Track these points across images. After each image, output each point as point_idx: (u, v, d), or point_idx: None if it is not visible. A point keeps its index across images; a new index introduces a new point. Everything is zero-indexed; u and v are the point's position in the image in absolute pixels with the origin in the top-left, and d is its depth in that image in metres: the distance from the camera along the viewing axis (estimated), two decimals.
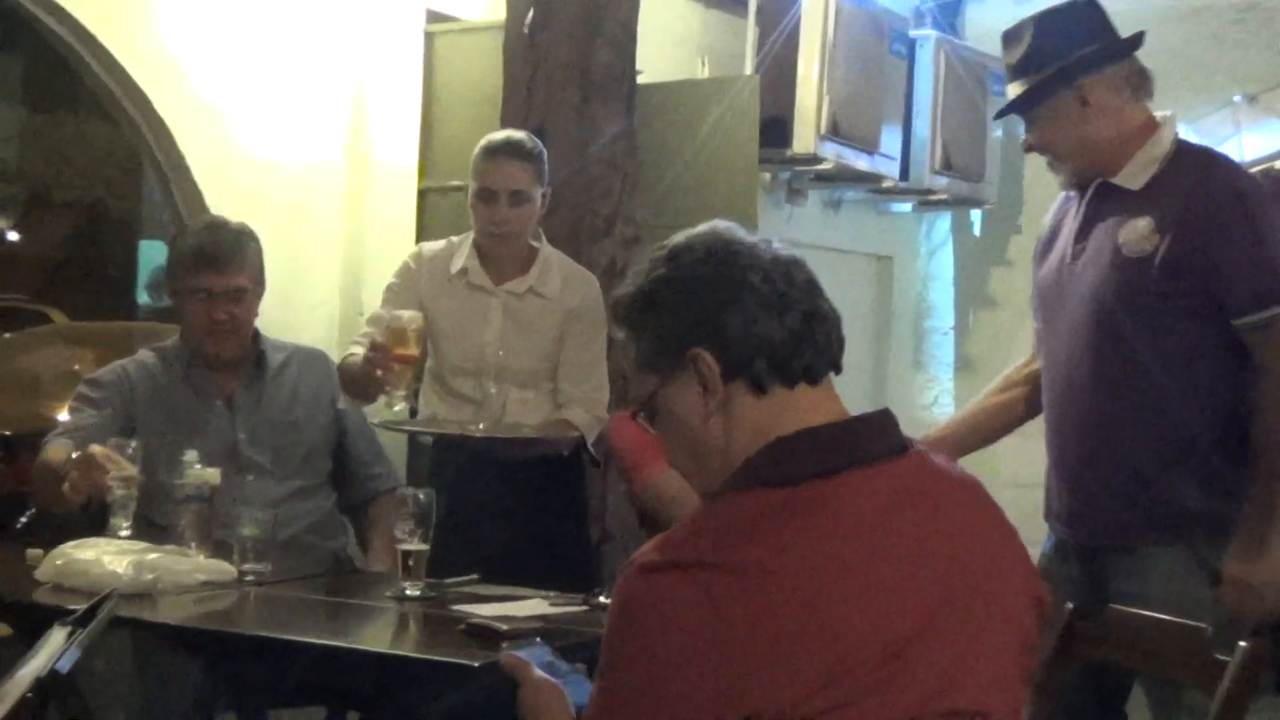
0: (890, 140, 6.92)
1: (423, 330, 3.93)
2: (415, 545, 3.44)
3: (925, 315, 8.23)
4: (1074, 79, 3.49)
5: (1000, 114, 3.82)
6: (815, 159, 6.49)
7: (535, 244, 4.31)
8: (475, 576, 3.62)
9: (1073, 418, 3.50)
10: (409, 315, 3.89)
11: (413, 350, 3.84)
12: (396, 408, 3.91)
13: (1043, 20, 3.58)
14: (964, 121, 7.39)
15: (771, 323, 1.96)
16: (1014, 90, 3.60)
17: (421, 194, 5.67)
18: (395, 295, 4.25)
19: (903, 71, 7.05)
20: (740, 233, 2.03)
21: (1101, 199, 3.50)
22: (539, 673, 2.09)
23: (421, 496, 3.49)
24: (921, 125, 7.22)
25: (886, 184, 7.16)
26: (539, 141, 4.29)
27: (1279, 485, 3.24)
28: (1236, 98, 7.68)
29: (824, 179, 6.98)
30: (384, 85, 5.64)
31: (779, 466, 1.91)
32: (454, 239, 4.33)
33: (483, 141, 4.23)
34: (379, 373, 3.79)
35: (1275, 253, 3.30)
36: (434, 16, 5.72)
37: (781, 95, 6.30)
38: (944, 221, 8.27)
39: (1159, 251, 3.32)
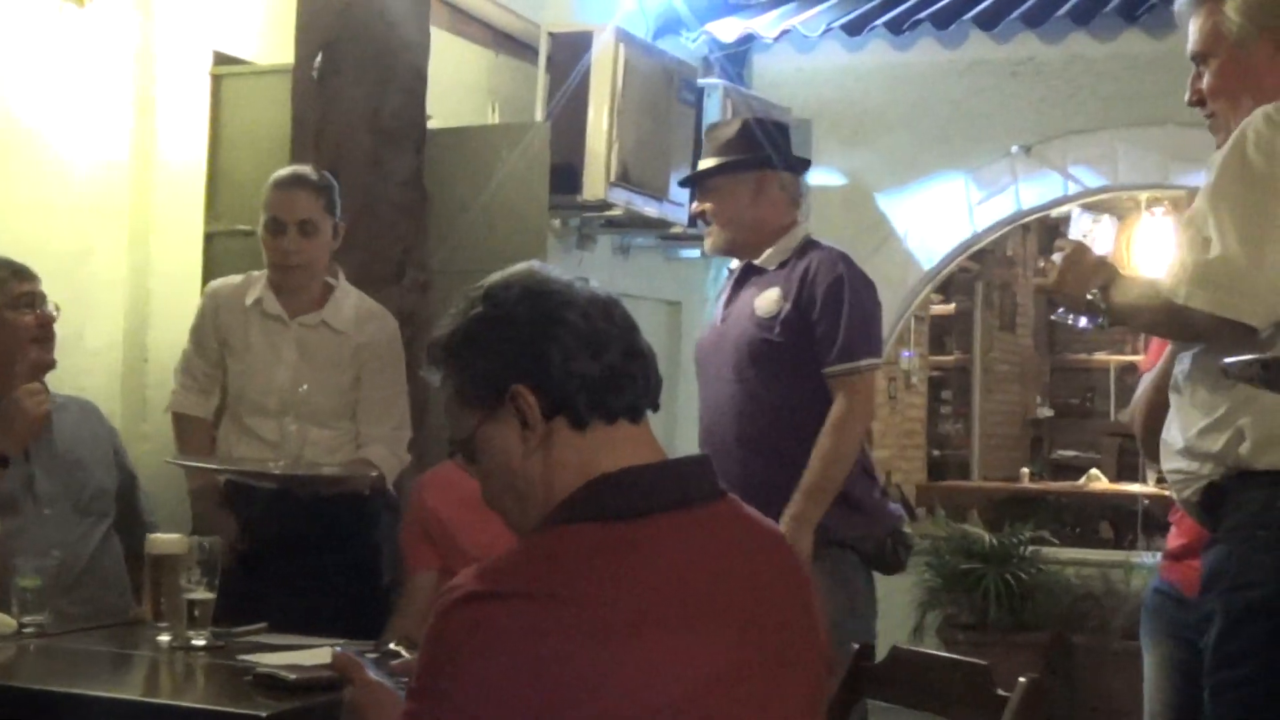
0: (679, 187, 6.99)
1: (186, 555, 3.50)
2: (201, 594, 3.39)
3: None
4: (761, 168, 4.50)
5: (687, 181, 4.99)
6: (605, 205, 6.53)
7: (332, 281, 4.36)
8: (263, 625, 3.57)
9: (718, 439, 4.38)
10: (175, 540, 3.62)
11: (179, 581, 3.44)
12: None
13: (750, 121, 4.68)
14: None
15: (590, 359, 1.98)
16: (709, 162, 4.57)
17: (208, 238, 5.59)
18: (196, 335, 4.42)
19: (691, 119, 7.12)
20: (556, 272, 2.06)
21: (746, 275, 4.53)
22: (371, 673, 2.07)
23: (207, 544, 3.44)
24: None
25: (675, 230, 7.22)
26: (329, 175, 4.39)
27: (826, 483, 4.21)
28: (1014, 148, 7.91)
29: (614, 225, 7.03)
30: (169, 128, 5.56)
31: (601, 503, 1.93)
32: (253, 274, 4.39)
33: (272, 176, 4.36)
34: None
35: (859, 326, 4.33)
36: (221, 59, 5.66)
37: (572, 142, 6.33)
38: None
39: (781, 313, 4.35)
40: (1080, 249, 3.15)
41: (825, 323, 4.31)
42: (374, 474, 4.24)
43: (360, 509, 4.32)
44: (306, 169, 4.38)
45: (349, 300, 4.38)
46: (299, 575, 4.14)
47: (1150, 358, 3.81)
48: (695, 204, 4.63)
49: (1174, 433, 3.01)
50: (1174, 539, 3.79)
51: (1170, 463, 3.04)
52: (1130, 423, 3.81)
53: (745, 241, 4.50)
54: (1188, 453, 2.95)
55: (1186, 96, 3.11)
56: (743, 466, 4.26)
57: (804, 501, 4.19)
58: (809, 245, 4.49)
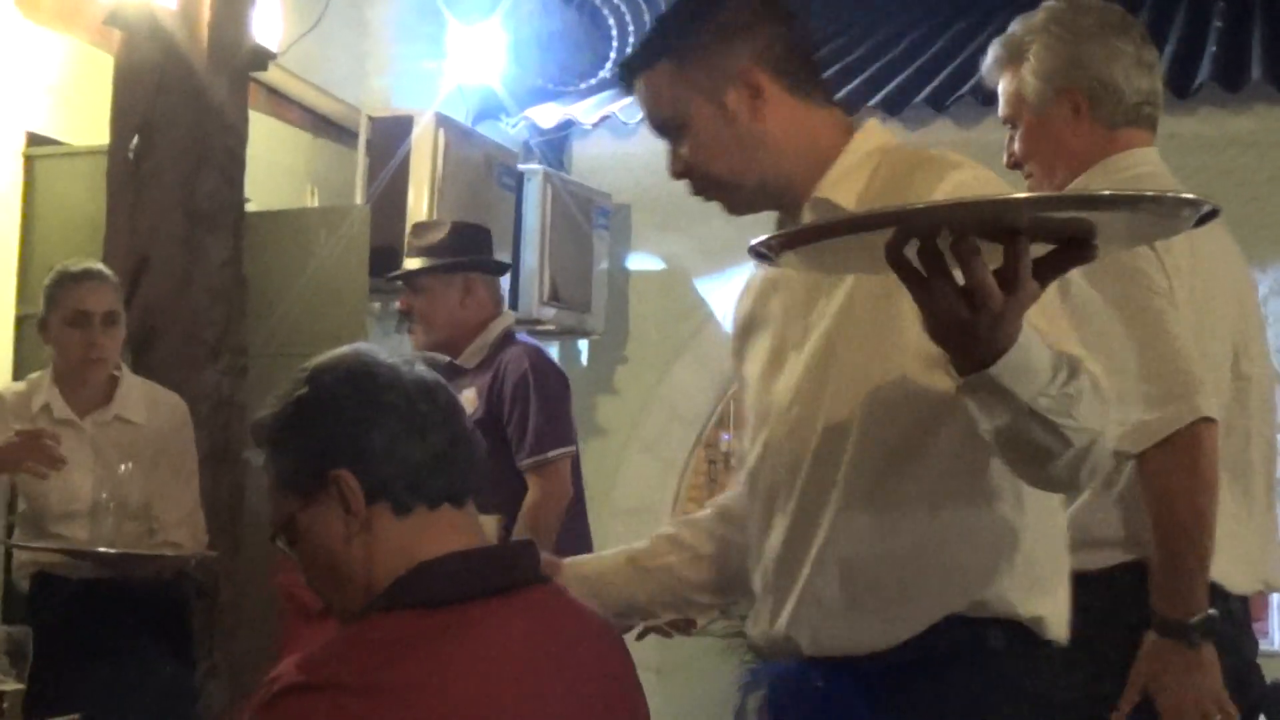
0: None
1: None
2: (9, 685, 3.31)
3: None
4: (468, 270, 4.83)
5: (397, 276, 5.06)
6: None
7: (116, 373, 4.29)
8: (76, 716, 3.50)
9: None
10: None
11: None
12: None
13: (458, 225, 5.05)
14: (571, 254, 7.55)
15: (413, 443, 1.95)
16: (417, 263, 4.85)
17: (19, 320, 5.49)
18: None
19: (511, 204, 7.17)
20: (382, 354, 2.02)
21: (449, 375, 4.30)
22: None
23: (14, 633, 3.37)
24: (529, 257, 7.34)
25: None
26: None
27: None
28: None
29: None
30: None
31: (424, 589, 1.90)
32: (33, 378, 4.27)
33: (59, 270, 4.26)
34: None
35: (548, 418, 4.64)
36: (34, 139, 5.58)
37: (392, 225, 6.32)
38: (552, 351, 8.40)
39: (477, 414, 4.51)
40: None
41: (516, 418, 4.61)
42: (187, 554, 4.18)
43: (168, 595, 4.24)
44: (92, 264, 4.33)
45: (136, 390, 4.32)
46: (113, 665, 4.05)
47: None
48: (400, 301, 4.88)
49: None
50: None
51: None
52: None
53: (448, 341, 4.75)
54: None
55: (1004, 159, 3.11)
56: None
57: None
58: (506, 340, 4.80)
